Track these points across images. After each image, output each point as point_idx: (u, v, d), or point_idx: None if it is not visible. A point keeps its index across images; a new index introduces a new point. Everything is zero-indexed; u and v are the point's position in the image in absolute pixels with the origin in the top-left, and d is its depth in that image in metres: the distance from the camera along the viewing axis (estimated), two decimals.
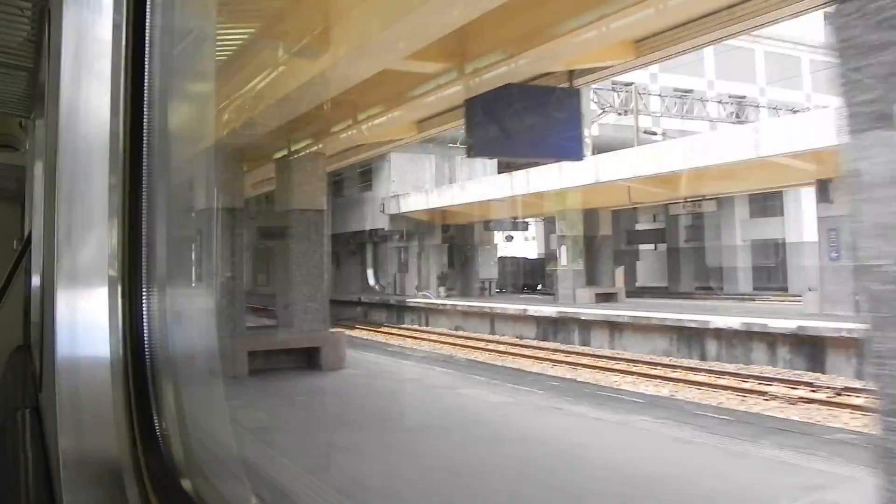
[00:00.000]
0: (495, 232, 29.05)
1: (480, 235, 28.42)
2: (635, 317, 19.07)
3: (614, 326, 19.66)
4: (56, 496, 1.43)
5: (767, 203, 32.73)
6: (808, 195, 32.48)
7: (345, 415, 8.70)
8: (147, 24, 1.53)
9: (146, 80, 1.52)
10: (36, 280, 2.79)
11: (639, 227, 34.72)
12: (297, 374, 11.51)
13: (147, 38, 1.53)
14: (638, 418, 8.55)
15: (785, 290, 32.09)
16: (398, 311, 26.92)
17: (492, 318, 22.91)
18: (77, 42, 1.59)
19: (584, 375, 15.28)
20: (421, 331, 23.63)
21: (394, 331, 23.93)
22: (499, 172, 29.54)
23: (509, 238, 30.40)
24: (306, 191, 12.11)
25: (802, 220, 32.43)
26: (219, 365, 2.10)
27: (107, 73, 1.49)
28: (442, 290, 27.40)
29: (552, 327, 21.39)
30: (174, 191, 1.77)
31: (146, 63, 1.52)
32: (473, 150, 9.51)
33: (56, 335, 1.47)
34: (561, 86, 10.19)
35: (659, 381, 14.13)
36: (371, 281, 34.66)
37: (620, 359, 17.82)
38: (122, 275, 1.48)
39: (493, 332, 22.72)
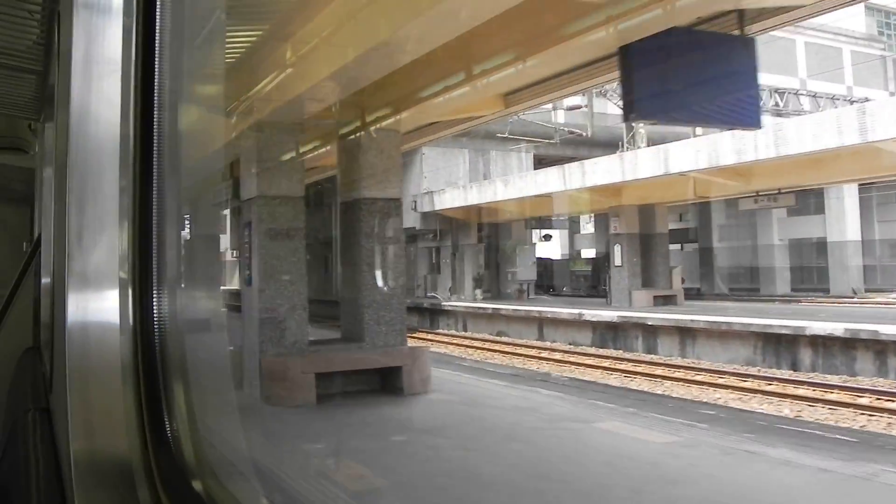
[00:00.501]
0: (532, 231, 26.62)
1: (519, 234, 25.93)
2: (713, 322, 16.78)
3: (686, 332, 17.63)
4: (67, 497, 1.41)
5: (806, 201, 30.57)
6: (851, 192, 30.30)
7: (474, 466, 6.21)
8: (157, 26, 1.52)
9: (156, 82, 1.52)
10: (46, 282, 2.69)
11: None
12: (375, 400, 9.09)
13: (157, 39, 1.52)
14: (877, 469, 6.11)
15: (826, 291, 30.07)
16: (431, 315, 24.46)
17: (540, 322, 20.49)
18: (87, 45, 1.58)
19: (678, 390, 12.95)
20: (462, 337, 21.15)
21: (430, 336, 21.52)
22: (535, 168, 27.15)
23: (547, 237, 27.88)
24: (379, 175, 9.59)
25: (846, 218, 30.39)
26: (229, 366, 2.11)
27: (117, 75, 1.49)
28: (478, 292, 24.95)
29: (611, 333, 19.21)
30: (190, 190, 1.74)
31: (156, 65, 1.52)
32: (635, 112, 7.10)
33: (66, 336, 1.47)
34: (732, 32, 7.76)
35: (770, 397, 12.17)
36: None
37: (701, 369, 15.61)
38: (133, 277, 1.48)
39: (541, 337, 20.39)
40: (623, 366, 15.94)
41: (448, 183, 26.55)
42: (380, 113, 10.24)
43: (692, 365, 16.03)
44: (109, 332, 1.43)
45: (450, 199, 25.64)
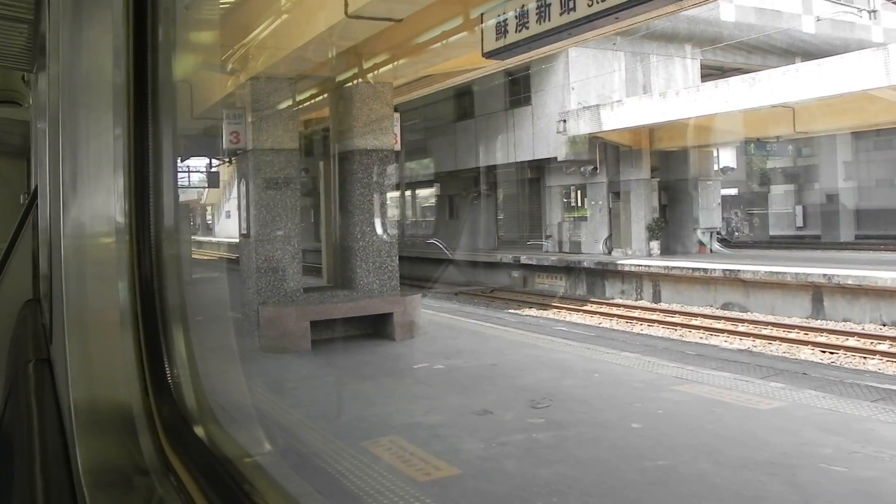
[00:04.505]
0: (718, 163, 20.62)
1: (699, 166, 19.96)
2: None
3: None
4: (69, 446, 1.41)
5: None
6: None
7: None
8: None
9: (149, 26, 1.46)
10: (43, 233, 2.64)
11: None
12: None
13: None
14: None
15: None
16: (589, 277, 18.99)
17: (814, 290, 14.31)
18: None
19: None
20: (664, 311, 15.87)
21: (607, 310, 16.22)
22: (702, 78, 21.55)
23: (724, 170, 21.74)
24: None
25: None
26: (230, 313, 2.02)
27: (108, 21, 1.44)
28: (655, 245, 19.44)
29: None
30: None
31: (149, 9, 1.46)
32: None
33: (64, 286, 1.45)
34: None
35: None
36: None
37: None
38: (130, 223, 1.45)
39: (818, 315, 14.16)
40: None
41: (600, 97, 19.92)
42: None
43: None
44: (107, 281, 1.42)
45: (624, 116, 18.11)
